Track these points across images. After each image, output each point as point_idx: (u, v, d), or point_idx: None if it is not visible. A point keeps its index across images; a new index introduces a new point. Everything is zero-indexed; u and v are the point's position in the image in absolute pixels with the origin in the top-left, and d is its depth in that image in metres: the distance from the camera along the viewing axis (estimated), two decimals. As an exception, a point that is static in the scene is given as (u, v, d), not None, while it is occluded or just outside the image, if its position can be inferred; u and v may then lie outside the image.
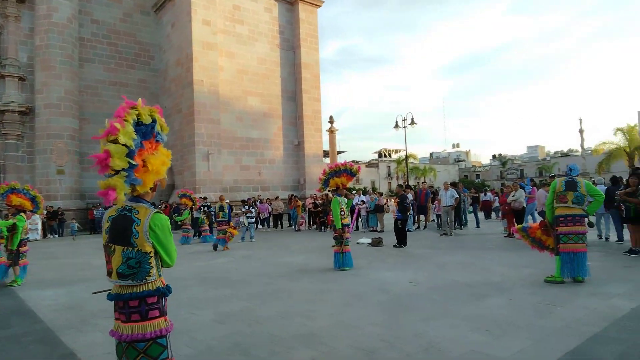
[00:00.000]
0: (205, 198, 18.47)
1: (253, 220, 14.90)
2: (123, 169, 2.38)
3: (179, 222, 15.27)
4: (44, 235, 19.75)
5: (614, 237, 10.28)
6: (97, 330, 4.72)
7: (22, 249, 7.75)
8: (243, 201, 16.06)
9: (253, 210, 15.10)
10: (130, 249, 2.42)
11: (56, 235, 20.38)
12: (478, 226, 16.00)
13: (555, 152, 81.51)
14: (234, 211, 14.71)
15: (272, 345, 4.00)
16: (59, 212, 20.82)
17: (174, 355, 2.69)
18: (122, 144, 2.34)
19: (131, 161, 2.39)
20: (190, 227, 15.31)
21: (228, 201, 13.72)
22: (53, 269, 9.60)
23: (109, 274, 2.50)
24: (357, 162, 66.49)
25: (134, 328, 2.45)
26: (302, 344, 4.02)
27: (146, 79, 26.95)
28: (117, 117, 2.42)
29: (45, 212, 20.19)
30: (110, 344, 4.02)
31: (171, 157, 2.73)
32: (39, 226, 18.90)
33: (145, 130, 2.54)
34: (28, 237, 8.25)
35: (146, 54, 27.03)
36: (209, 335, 4.42)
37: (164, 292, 2.55)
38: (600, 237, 10.59)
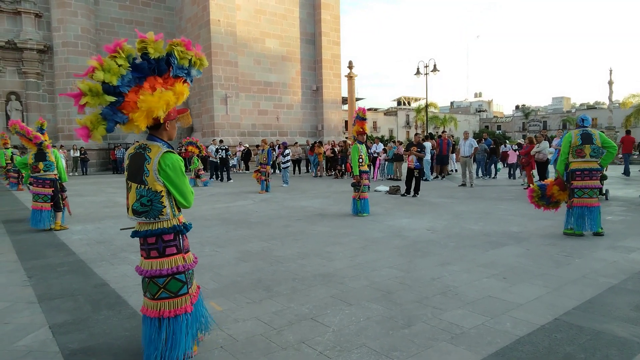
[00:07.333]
0: (221, 141, 18.56)
1: (287, 165, 14.86)
2: (102, 107, 2.32)
3: (193, 170, 14.87)
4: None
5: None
6: (127, 263, 4.97)
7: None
8: (284, 144, 15.81)
9: (287, 155, 14.99)
10: (143, 186, 2.44)
11: (75, 173, 21.06)
12: (495, 177, 16.02)
13: (581, 104, 78.40)
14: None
15: (293, 283, 4.16)
16: (82, 151, 21.32)
17: (201, 288, 2.81)
18: (100, 82, 2.26)
19: (110, 98, 2.30)
20: (203, 172, 15.27)
21: (270, 144, 13.48)
22: (80, 206, 9.97)
23: (128, 210, 2.56)
24: (376, 109, 65.30)
25: (153, 264, 2.52)
26: (322, 282, 4.16)
27: (162, 17, 26.33)
28: (109, 52, 2.34)
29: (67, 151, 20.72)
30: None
31: (185, 95, 2.53)
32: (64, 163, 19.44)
33: (151, 66, 2.42)
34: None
35: (161, -10, 26.28)
36: (233, 271, 4.60)
37: (180, 230, 2.57)
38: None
